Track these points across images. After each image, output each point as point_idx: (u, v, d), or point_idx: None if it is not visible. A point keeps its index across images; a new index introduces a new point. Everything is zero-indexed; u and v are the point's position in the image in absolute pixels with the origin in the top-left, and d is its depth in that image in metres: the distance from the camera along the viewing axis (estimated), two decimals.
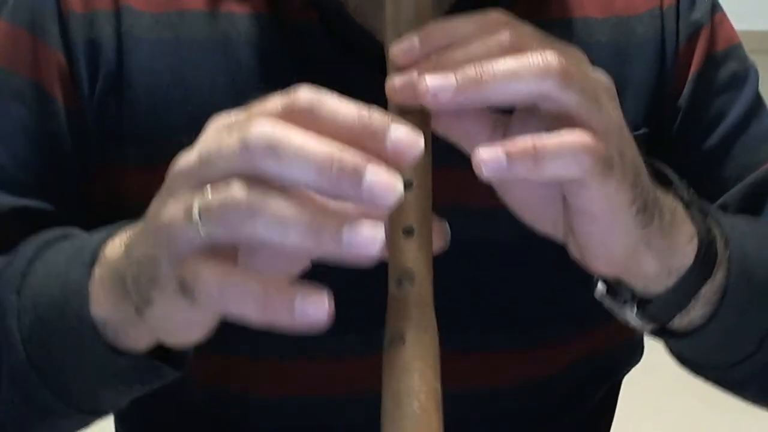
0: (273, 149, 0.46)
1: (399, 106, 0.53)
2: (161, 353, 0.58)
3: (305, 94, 0.49)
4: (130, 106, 0.71)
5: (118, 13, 0.72)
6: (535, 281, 0.72)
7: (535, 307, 0.74)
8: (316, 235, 0.45)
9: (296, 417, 0.73)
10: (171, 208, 0.49)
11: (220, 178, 0.48)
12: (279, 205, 0.46)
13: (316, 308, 0.45)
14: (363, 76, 0.69)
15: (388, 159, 0.47)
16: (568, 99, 0.52)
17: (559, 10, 0.75)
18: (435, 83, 0.51)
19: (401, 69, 0.54)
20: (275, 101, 0.49)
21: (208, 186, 0.48)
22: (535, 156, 0.50)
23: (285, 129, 0.47)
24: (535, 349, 0.75)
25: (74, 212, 0.72)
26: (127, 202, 0.71)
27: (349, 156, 0.46)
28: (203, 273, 0.47)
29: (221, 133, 0.49)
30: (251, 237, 0.47)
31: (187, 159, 0.50)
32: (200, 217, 0.47)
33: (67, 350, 0.58)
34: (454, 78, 0.51)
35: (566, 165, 0.51)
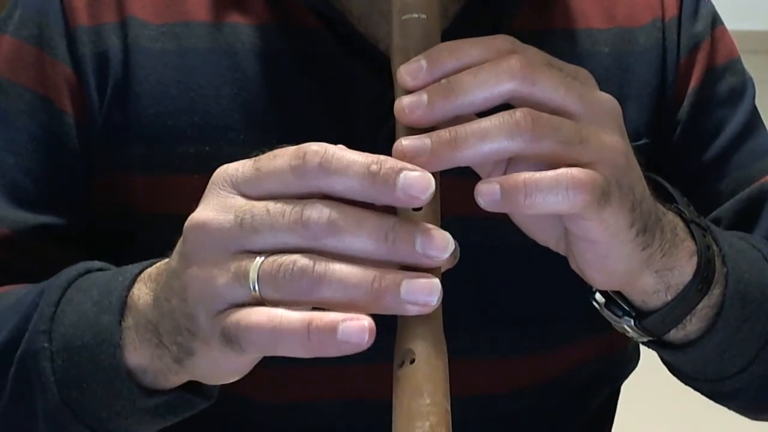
0: (333, 227, 0.49)
1: (407, 126, 0.53)
2: (193, 385, 0.59)
3: (314, 149, 0.50)
4: (136, 116, 0.71)
5: (123, 24, 0.72)
6: (541, 284, 0.73)
7: (541, 310, 0.74)
8: (379, 296, 0.48)
9: (300, 421, 0.74)
10: (210, 270, 0.51)
11: (268, 247, 0.50)
12: (343, 273, 0.48)
13: (358, 334, 0.47)
14: (370, 79, 0.70)
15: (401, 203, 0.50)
16: (543, 150, 0.53)
17: (563, 20, 0.76)
18: (409, 144, 0.52)
19: (409, 90, 0.54)
20: (285, 157, 0.51)
21: (255, 254, 0.50)
22: (525, 191, 0.52)
23: (340, 207, 0.49)
24: (541, 351, 0.76)
25: (84, 224, 0.73)
26: (134, 212, 0.72)
27: (400, 224, 0.49)
28: (249, 323, 0.49)
29: (227, 197, 0.51)
30: (317, 302, 0.49)
31: (218, 220, 0.51)
32: (258, 283, 0.49)
33: (102, 393, 0.60)
34: (429, 141, 0.52)
35: (558, 201, 0.52)
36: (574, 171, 0.52)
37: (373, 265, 0.49)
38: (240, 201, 0.51)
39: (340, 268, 0.48)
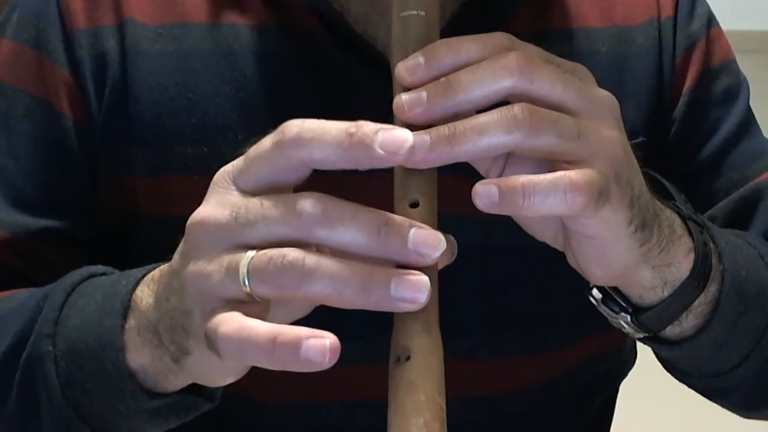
0: (326, 219, 0.49)
1: (405, 123, 0.53)
2: (197, 387, 0.60)
3: (293, 122, 0.50)
4: (136, 118, 0.71)
5: (121, 26, 0.72)
6: (541, 285, 0.73)
7: (541, 310, 0.75)
8: (368, 292, 0.48)
9: (300, 421, 0.74)
10: (205, 266, 0.51)
11: (261, 241, 0.50)
12: (333, 267, 0.48)
13: (319, 354, 0.47)
14: (369, 79, 0.71)
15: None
16: (541, 144, 0.53)
17: (560, 19, 0.76)
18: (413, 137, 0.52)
19: (407, 87, 0.54)
20: (268, 138, 0.52)
21: (249, 250, 0.50)
22: (523, 194, 0.52)
23: (334, 200, 0.49)
24: (540, 352, 0.76)
25: (85, 227, 0.73)
26: (136, 214, 0.72)
27: (393, 220, 0.49)
28: (221, 331, 0.50)
29: (225, 193, 0.52)
30: (305, 296, 0.49)
31: (215, 216, 0.52)
32: (248, 277, 0.49)
33: (105, 395, 0.60)
34: (428, 137, 0.52)
35: (555, 203, 0.52)
36: (572, 174, 0.52)
37: (364, 261, 0.49)
38: (236, 197, 0.52)
39: (330, 263, 0.49)
